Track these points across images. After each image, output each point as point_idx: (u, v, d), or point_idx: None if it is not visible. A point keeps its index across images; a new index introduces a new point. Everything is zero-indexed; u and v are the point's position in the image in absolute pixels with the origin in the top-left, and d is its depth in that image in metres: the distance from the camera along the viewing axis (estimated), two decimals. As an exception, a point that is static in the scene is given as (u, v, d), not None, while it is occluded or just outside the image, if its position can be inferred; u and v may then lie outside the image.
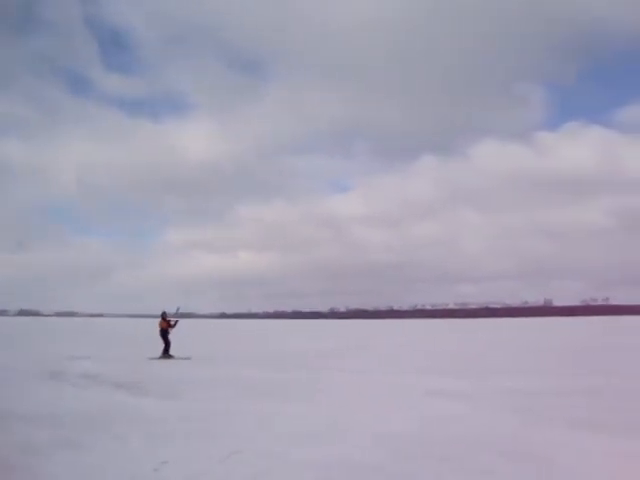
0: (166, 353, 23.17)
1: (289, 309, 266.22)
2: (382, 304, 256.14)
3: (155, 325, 24.00)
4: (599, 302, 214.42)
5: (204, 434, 8.31)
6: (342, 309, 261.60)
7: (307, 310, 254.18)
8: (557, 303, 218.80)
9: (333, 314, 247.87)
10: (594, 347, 29.72)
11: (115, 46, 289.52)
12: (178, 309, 25.42)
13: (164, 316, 23.93)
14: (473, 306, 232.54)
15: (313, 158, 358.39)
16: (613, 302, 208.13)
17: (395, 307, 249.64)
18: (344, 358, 23.23)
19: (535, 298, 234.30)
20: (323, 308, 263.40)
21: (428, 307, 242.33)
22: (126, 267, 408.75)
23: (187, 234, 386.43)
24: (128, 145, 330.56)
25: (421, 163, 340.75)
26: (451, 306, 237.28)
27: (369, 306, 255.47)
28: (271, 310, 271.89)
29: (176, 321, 24.21)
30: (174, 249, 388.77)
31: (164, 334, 23.53)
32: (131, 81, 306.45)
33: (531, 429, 8.61)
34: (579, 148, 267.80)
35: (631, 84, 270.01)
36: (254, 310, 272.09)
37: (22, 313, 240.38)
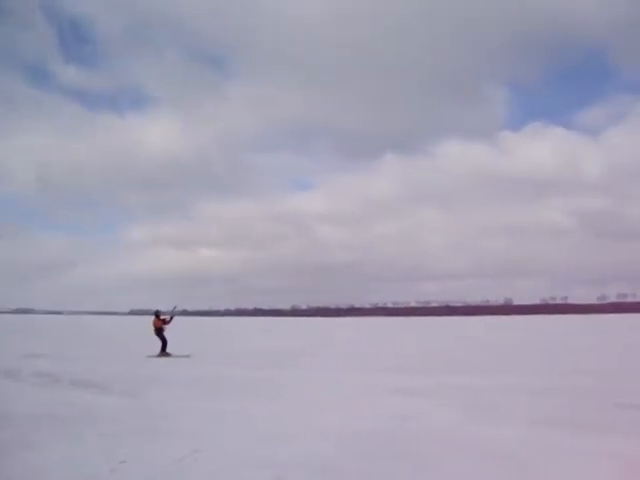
0: (163, 351, 22.85)
1: (250, 306, 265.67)
2: (343, 302, 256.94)
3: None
4: (558, 301, 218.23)
5: (164, 433, 8.22)
6: (304, 307, 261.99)
7: (268, 307, 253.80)
8: (517, 302, 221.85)
9: (295, 312, 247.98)
10: (552, 346, 30.23)
11: (75, 37, 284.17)
12: (175, 307, 24.93)
13: (158, 314, 23.59)
14: (434, 304, 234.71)
15: (276, 155, 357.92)
16: (571, 301, 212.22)
17: (356, 305, 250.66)
18: (307, 356, 23.20)
19: (496, 297, 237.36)
20: (285, 305, 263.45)
21: (389, 305, 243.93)
22: (86, 263, 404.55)
23: (148, 230, 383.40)
24: (89, 139, 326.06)
25: (384, 161, 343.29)
26: (412, 304, 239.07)
27: (331, 304, 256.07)
28: (232, 307, 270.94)
29: (171, 318, 23.93)
30: (135, 245, 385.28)
31: (159, 332, 23.24)
32: (92, 74, 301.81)
33: (489, 426, 8.69)
34: (541, 149, 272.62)
35: (591, 87, 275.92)
36: (215, 307, 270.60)
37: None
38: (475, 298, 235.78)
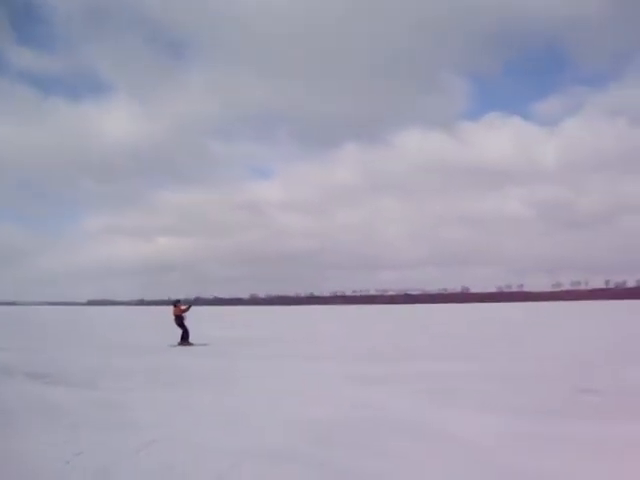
0: (184, 340, 22.90)
1: (209, 295, 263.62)
2: (302, 290, 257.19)
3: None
4: (514, 289, 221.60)
5: (120, 424, 8.15)
6: (262, 295, 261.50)
7: (227, 296, 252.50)
8: (474, 290, 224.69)
9: (253, 300, 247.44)
10: (511, 333, 30.71)
11: (29, 18, 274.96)
12: (194, 299, 24.60)
13: (177, 303, 23.68)
14: (392, 292, 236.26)
15: (235, 143, 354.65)
16: (527, 289, 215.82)
17: (316, 293, 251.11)
18: (266, 345, 23.17)
19: (453, 285, 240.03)
20: (243, 294, 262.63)
21: (349, 293, 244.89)
22: (41, 253, 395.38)
23: (105, 219, 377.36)
24: (42, 125, 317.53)
25: (344, 150, 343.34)
26: (371, 292, 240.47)
27: (290, 292, 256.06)
28: (191, 296, 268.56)
29: (188, 306, 24.11)
30: (92, 234, 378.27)
31: (180, 321, 23.29)
32: (45, 57, 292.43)
33: (452, 413, 8.81)
34: (499, 139, 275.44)
35: (549, 78, 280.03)
36: (173, 297, 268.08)
37: None
38: (433, 286, 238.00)
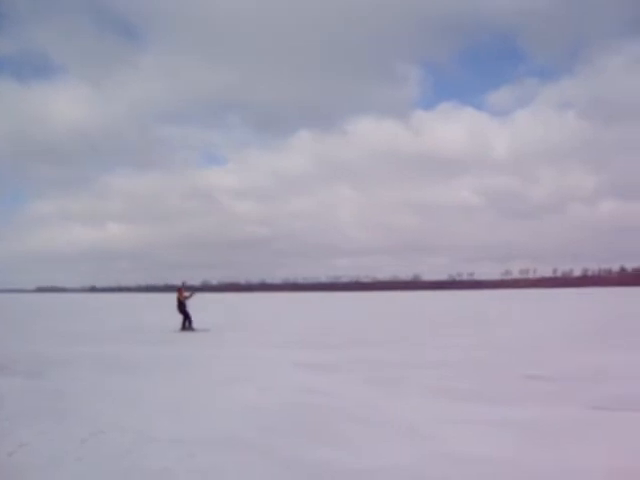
0: (186, 326, 23.29)
1: (161, 282, 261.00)
2: (254, 277, 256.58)
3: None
4: (465, 277, 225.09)
5: (67, 414, 8.06)
6: (214, 282, 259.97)
7: (179, 283, 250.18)
8: (426, 278, 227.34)
9: (205, 287, 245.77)
10: (459, 320, 31.23)
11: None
12: (197, 288, 24.56)
13: (180, 288, 24.00)
14: (345, 280, 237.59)
15: (188, 129, 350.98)
16: (478, 277, 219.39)
17: (268, 280, 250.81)
18: (214, 332, 23.05)
19: (405, 273, 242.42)
20: (195, 281, 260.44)
21: (300, 280, 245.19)
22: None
23: (54, 204, 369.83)
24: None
25: (298, 137, 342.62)
26: (323, 279, 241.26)
27: (241, 279, 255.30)
28: (143, 283, 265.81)
29: (191, 293, 24.31)
30: (41, 220, 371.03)
31: (182, 307, 23.47)
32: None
33: (397, 399, 8.94)
34: (452, 128, 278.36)
35: (502, 70, 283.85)
36: (125, 283, 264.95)
37: None
38: (385, 274, 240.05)
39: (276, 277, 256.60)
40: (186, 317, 23.44)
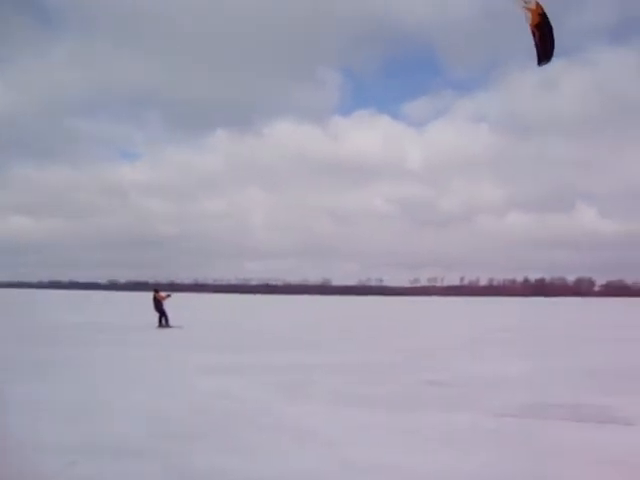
0: (163, 323, 25.56)
1: (65, 279, 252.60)
2: (163, 277, 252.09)
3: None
4: (374, 283, 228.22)
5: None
6: (122, 281, 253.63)
7: (84, 281, 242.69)
8: (336, 283, 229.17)
9: (112, 286, 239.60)
10: (365, 325, 31.55)
11: None
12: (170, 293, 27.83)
13: (157, 290, 26.54)
14: (254, 282, 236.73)
15: (101, 122, 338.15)
16: (386, 283, 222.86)
17: (176, 281, 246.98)
18: (118, 333, 22.43)
19: (315, 277, 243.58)
20: (101, 279, 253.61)
21: (209, 282, 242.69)
22: None
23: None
24: None
25: (215, 137, 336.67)
26: (233, 282, 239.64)
27: (150, 278, 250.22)
28: (46, 280, 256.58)
29: (168, 294, 26.91)
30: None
31: (159, 307, 25.80)
32: None
33: (300, 404, 8.88)
34: (368, 136, 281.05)
35: (419, 81, 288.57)
36: (27, 279, 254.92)
37: None
38: (295, 277, 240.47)
39: (185, 278, 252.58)
40: (162, 315, 25.70)
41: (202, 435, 6.87)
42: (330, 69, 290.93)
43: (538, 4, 6.90)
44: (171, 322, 25.78)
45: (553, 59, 6.94)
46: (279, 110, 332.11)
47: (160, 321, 25.61)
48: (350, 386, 10.60)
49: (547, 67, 6.96)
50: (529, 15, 6.99)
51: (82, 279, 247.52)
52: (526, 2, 6.90)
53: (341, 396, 9.55)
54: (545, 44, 7.11)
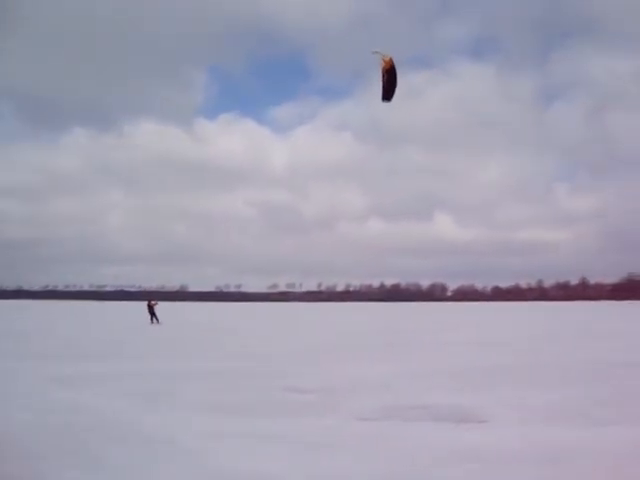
0: (153, 321, 37.03)
1: None
2: (11, 283, 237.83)
3: None
4: (232, 289, 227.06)
5: None
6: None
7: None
8: (193, 288, 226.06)
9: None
10: (224, 331, 31.39)
11: None
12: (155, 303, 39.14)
13: (151, 299, 40.18)
14: (109, 288, 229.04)
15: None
16: (245, 289, 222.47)
17: (25, 287, 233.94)
18: None
19: (173, 283, 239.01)
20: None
21: (61, 288, 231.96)
22: None
23: None
24: None
25: (72, 135, 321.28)
26: (86, 288, 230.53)
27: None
28: None
29: (156, 302, 39.77)
30: None
31: (152, 311, 37.62)
32: None
33: (155, 412, 8.74)
34: (232, 139, 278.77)
35: (287, 85, 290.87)
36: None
37: None
38: (152, 283, 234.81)
39: (35, 284, 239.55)
40: (153, 315, 37.32)
41: (56, 451, 6.57)
42: (195, 69, 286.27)
43: (391, 58, 9.62)
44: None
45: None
46: (141, 110, 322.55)
47: (152, 320, 37.00)
48: (213, 393, 10.54)
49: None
50: (382, 62, 9.61)
51: None
52: (383, 56, 9.61)
53: (203, 404, 9.47)
54: (390, 86, 9.72)
